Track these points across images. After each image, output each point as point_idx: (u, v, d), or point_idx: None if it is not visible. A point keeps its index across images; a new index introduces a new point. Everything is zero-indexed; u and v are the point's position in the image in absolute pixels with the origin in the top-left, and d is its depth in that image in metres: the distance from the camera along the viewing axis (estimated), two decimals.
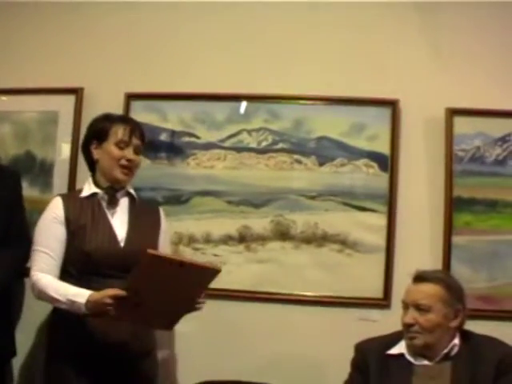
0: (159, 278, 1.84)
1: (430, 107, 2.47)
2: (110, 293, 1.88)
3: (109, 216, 2.13)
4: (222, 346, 2.49)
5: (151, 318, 1.96)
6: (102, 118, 2.20)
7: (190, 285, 1.92)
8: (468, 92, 2.46)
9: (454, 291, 1.96)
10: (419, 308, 1.92)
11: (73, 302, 1.95)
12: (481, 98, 2.44)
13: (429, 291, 1.93)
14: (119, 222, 2.13)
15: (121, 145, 2.13)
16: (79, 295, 1.95)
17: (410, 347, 1.95)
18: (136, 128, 2.19)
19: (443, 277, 2.01)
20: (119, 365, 2.06)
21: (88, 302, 1.92)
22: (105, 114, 2.21)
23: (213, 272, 1.92)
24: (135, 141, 2.16)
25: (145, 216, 2.20)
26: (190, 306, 2.00)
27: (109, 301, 1.88)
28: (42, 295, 2.03)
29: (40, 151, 2.64)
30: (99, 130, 2.16)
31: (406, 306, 1.97)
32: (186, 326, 2.48)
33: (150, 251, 1.84)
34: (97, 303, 1.91)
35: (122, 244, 2.09)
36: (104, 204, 2.14)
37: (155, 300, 1.88)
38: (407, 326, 1.93)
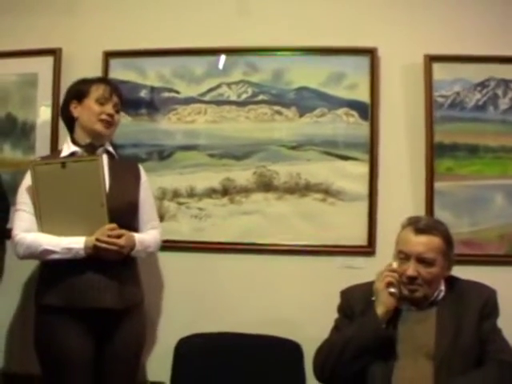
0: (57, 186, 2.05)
1: (408, 54, 2.46)
2: (118, 241, 2.03)
3: None
4: (209, 298, 2.51)
5: None
6: (81, 81, 2.24)
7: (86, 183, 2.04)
8: (446, 38, 2.46)
9: (450, 243, 1.96)
10: (423, 261, 1.90)
11: (69, 249, 2.02)
12: (459, 43, 2.44)
13: (432, 244, 1.91)
14: None
15: (101, 100, 2.16)
16: (74, 242, 2.02)
17: (408, 299, 1.93)
18: (116, 87, 2.24)
19: (442, 228, 1.98)
20: (107, 318, 2.09)
21: (87, 247, 2.01)
22: (83, 78, 2.24)
23: (93, 162, 2.04)
24: (115, 98, 2.20)
25: (124, 172, 2.22)
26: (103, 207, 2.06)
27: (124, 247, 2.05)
28: (31, 251, 2.05)
29: (21, 113, 2.62)
30: (79, 90, 2.19)
31: (406, 257, 1.92)
32: (173, 279, 2.53)
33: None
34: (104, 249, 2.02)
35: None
36: None
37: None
38: (409, 279, 1.90)
